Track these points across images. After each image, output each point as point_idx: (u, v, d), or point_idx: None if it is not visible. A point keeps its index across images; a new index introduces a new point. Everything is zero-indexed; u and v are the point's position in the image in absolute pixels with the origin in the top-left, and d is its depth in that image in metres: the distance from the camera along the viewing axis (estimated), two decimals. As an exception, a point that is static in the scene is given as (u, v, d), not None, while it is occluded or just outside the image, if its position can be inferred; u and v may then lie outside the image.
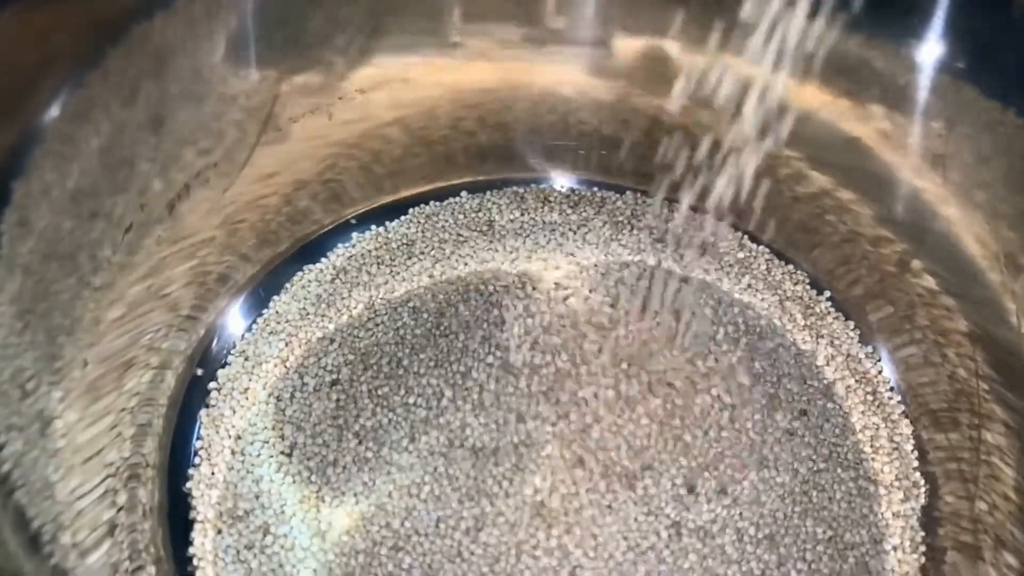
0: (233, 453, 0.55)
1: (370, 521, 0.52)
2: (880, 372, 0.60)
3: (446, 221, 0.64)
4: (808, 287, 0.63)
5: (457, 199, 0.65)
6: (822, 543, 0.53)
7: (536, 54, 0.61)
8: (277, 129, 0.57)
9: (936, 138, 0.55)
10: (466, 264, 0.62)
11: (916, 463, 0.57)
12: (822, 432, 0.57)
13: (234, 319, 0.60)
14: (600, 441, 0.54)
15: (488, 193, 0.65)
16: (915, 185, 0.57)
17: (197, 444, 0.55)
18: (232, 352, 0.58)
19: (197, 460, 0.55)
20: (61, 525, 0.46)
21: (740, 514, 0.53)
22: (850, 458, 0.56)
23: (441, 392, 0.56)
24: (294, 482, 0.54)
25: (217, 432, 0.55)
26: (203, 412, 0.56)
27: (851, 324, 0.61)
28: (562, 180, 0.66)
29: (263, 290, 0.61)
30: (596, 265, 0.62)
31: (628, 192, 0.65)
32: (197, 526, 0.53)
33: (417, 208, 0.65)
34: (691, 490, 0.53)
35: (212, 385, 0.57)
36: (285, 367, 0.58)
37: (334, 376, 0.57)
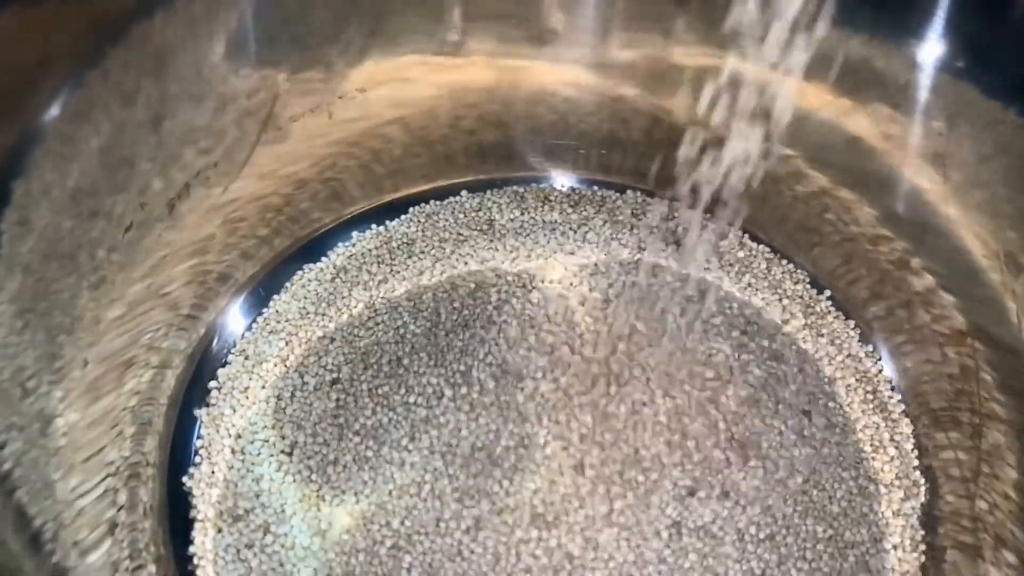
0: (233, 452, 0.55)
1: (370, 520, 0.52)
2: (880, 371, 0.60)
3: (446, 220, 0.64)
4: (808, 286, 0.63)
5: (457, 198, 0.65)
6: (822, 542, 0.53)
7: (536, 53, 0.61)
8: (277, 128, 0.57)
9: (936, 137, 0.55)
10: (466, 263, 0.62)
11: (916, 462, 0.57)
12: (822, 431, 0.57)
13: (234, 318, 0.60)
14: (600, 440, 0.54)
15: (488, 192, 0.65)
16: (915, 184, 0.57)
17: (197, 443, 0.55)
18: (232, 351, 0.59)
19: (197, 459, 0.55)
20: (62, 524, 0.46)
21: (741, 513, 0.53)
22: (850, 457, 0.56)
23: (441, 391, 0.56)
24: (294, 481, 0.54)
25: (217, 431, 0.55)
26: (203, 411, 0.56)
27: (851, 323, 0.61)
28: (562, 179, 0.66)
29: (263, 289, 0.61)
30: (596, 264, 0.62)
31: (628, 191, 0.65)
32: (197, 525, 0.53)
33: (417, 207, 0.65)
34: (692, 492, 0.53)
35: (212, 384, 0.57)
36: (285, 366, 0.58)
37: (334, 375, 0.57)
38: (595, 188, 0.66)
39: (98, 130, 0.48)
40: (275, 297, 0.61)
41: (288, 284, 0.61)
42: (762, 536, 0.53)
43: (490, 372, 0.57)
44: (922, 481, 0.56)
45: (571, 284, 0.61)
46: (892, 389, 0.59)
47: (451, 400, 0.56)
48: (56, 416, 0.47)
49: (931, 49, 0.53)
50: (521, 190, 0.66)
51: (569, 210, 0.65)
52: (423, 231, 0.64)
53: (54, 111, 0.46)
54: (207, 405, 0.57)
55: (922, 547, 0.54)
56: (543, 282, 0.61)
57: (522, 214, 0.65)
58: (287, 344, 0.59)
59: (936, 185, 0.56)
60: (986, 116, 0.52)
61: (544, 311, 0.59)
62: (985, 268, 0.55)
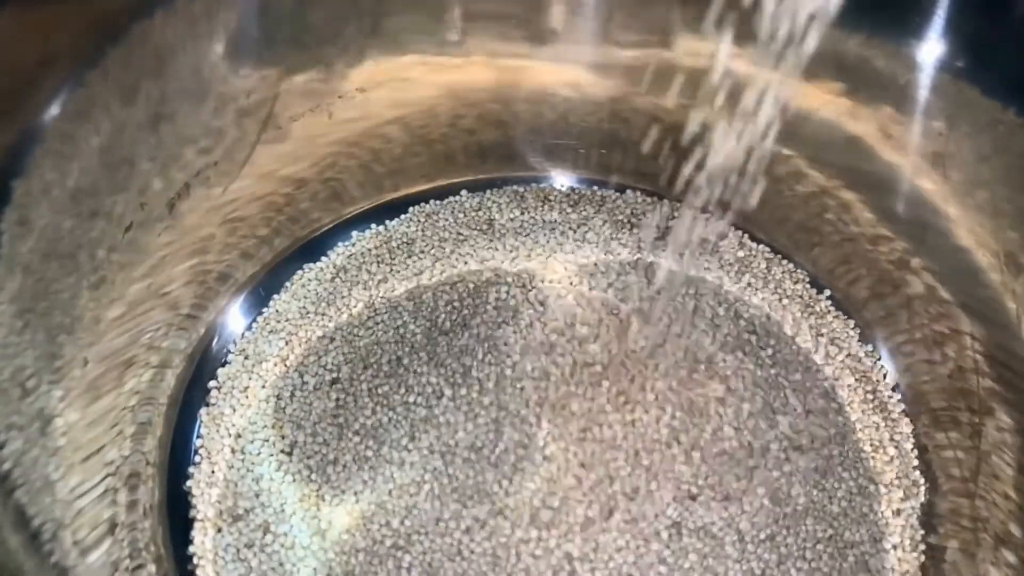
0: (233, 452, 0.55)
1: (370, 520, 0.52)
2: (880, 371, 0.60)
3: (446, 220, 0.64)
4: (808, 286, 0.63)
5: (457, 198, 0.65)
6: (822, 542, 0.53)
7: (536, 53, 0.61)
8: (277, 128, 0.57)
9: (936, 137, 0.55)
10: (466, 263, 0.62)
11: (916, 461, 0.57)
12: (822, 431, 0.57)
13: (234, 318, 0.60)
14: (600, 440, 0.54)
15: (488, 192, 0.65)
16: (915, 184, 0.57)
17: (197, 443, 0.55)
18: (232, 351, 0.59)
19: (197, 459, 0.55)
20: (61, 523, 0.46)
21: (740, 513, 0.53)
22: (850, 457, 0.56)
23: (441, 391, 0.56)
24: (294, 480, 0.54)
25: (217, 431, 0.55)
26: (203, 411, 0.56)
27: (851, 323, 0.61)
28: (562, 179, 0.66)
29: (263, 289, 0.61)
30: (596, 264, 0.62)
31: (628, 191, 0.65)
32: (197, 524, 0.53)
33: (417, 207, 0.65)
34: (692, 495, 0.53)
35: (212, 384, 0.57)
36: (285, 366, 0.58)
37: (334, 375, 0.57)
38: (595, 188, 0.66)
39: (98, 130, 0.48)
40: (275, 297, 0.61)
41: (288, 284, 0.61)
42: (762, 536, 0.53)
43: (490, 372, 0.57)
44: (922, 481, 0.56)
45: (571, 284, 0.61)
46: (892, 389, 0.59)
47: (451, 400, 0.56)
48: (56, 416, 0.47)
49: (931, 49, 0.53)
50: (521, 190, 0.66)
51: (569, 210, 0.65)
52: (423, 231, 0.64)
53: (54, 110, 0.46)
54: (207, 405, 0.57)
55: (922, 547, 0.54)
56: (543, 282, 0.61)
57: (522, 214, 0.65)
58: (287, 344, 0.59)
59: (936, 185, 0.56)
60: (986, 116, 0.52)
61: (544, 311, 0.59)
62: (985, 268, 0.55)
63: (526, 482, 0.53)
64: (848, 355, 0.60)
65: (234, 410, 0.56)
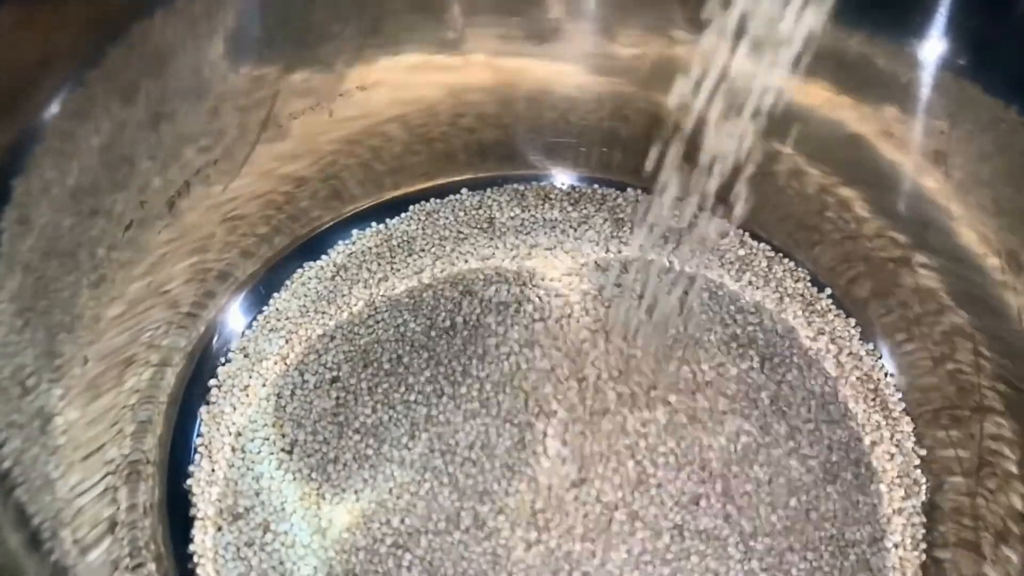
0: (233, 450, 0.55)
1: (370, 518, 0.52)
2: (881, 369, 0.60)
3: (446, 218, 0.64)
4: (809, 284, 0.63)
5: (457, 196, 0.65)
6: (823, 541, 0.53)
7: (537, 51, 0.61)
8: (277, 126, 0.57)
9: (938, 135, 0.55)
10: (466, 261, 0.62)
11: (917, 460, 0.57)
12: (823, 429, 0.57)
13: (234, 316, 0.60)
14: (601, 439, 0.54)
15: (488, 190, 0.65)
16: (917, 182, 0.57)
17: (197, 441, 0.55)
18: (232, 349, 0.59)
19: (197, 457, 0.55)
20: (61, 522, 0.46)
21: (742, 512, 0.53)
22: (851, 455, 0.56)
23: (441, 390, 0.56)
24: (294, 479, 0.54)
25: (217, 429, 0.56)
26: (203, 409, 0.56)
27: (852, 321, 0.61)
28: (562, 177, 0.66)
29: (263, 287, 0.61)
30: (596, 262, 0.62)
31: (629, 189, 0.65)
32: (197, 523, 0.53)
33: (417, 205, 0.64)
34: (694, 498, 0.53)
35: (212, 382, 0.57)
36: (285, 364, 0.58)
37: (334, 373, 0.57)
38: (595, 186, 0.66)
39: (98, 128, 0.48)
40: (275, 295, 0.61)
41: (288, 282, 0.61)
42: (764, 536, 0.53)
43: (490, 370, 0.57)
44: (923, 479, 0.56)
45: (571, 282, 0.61)
46: (893, 387, 0.59)
47: (451, 398, 0.56)
48: (56, 414, 0.47)
49: (933, 47, 0.53)
50: (521, 188, 0.66)
51: (569, 208, 0.65)
52: (423, 229, 0.64)
53: (54, 109, 0.46)
54: (207, 403, 0.57)
55: (923, 545, 0.54)
56: (543, 280, 0.61)
57: (522, 212, 0.65)
58: (287, 342, 0.59)
59: (938, 183, 0.56)
60: (988, 114, 0.52)
61: (544, 309, 0.59)
62: (986, 266, 0.54)
63: (526, 481, 0.53)
64: (849, 353, 0.60)
65: (234, 408, 0.56)
